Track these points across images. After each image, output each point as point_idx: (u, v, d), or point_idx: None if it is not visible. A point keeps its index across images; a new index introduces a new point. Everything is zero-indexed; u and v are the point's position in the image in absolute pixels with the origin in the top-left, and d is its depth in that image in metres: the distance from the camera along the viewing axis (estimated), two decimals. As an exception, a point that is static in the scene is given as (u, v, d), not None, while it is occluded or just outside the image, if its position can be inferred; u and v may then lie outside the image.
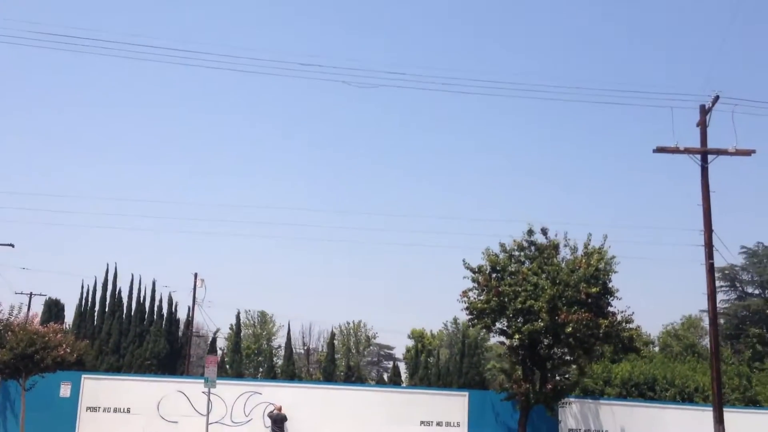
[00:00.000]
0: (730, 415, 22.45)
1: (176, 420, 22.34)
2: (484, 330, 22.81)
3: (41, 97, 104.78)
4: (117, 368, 48.29)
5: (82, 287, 51.07)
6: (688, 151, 22.50)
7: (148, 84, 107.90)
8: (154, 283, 51.89)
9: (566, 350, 21.98)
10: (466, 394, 24.48)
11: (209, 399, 20.98)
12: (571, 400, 24.00)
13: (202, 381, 21.16)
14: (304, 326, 79.41)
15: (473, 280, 21.66)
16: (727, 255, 22.76)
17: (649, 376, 37.16)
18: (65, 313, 53.31)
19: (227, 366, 53.12)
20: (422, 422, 23.33)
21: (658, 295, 68.98)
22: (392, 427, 22.97)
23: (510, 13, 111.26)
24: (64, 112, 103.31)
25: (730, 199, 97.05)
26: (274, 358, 57.77)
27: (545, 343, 21.47)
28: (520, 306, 20.61)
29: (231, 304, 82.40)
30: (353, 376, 52.96)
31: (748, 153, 22.37)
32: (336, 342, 78.55)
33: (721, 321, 57.09)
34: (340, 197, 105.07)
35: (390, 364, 72.57)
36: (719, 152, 22.44)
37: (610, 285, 21.81)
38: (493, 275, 21.71)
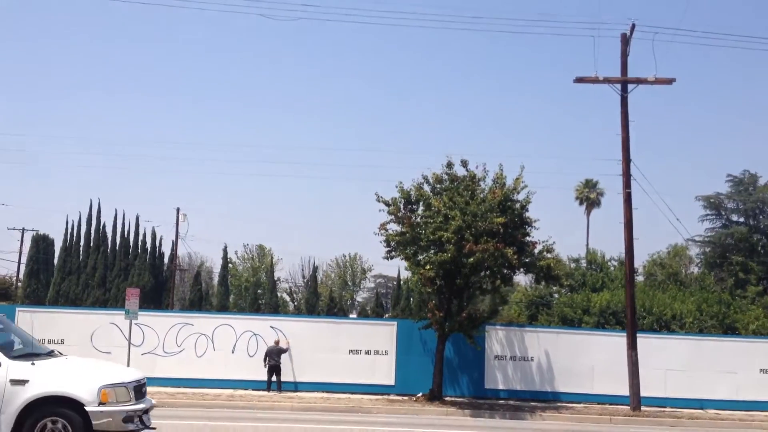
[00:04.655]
0: (645, 340, 22.86)
1: (109, 351, 23.11)
2: (404, 261, 23.15)
3: (26, 30, 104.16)
4: (104, 301, 49.67)
5: (67, 223, 52.27)
6: (607, 80, 22.45)
7: (135, 22, 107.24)
8: (137, 218, 52.98)
9: (486, 280, 22.30)
10: (395, 323, 25.00)
11: (130, 329, 21.69)
12: (498, 327, 24.49)
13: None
14: (303, 260, 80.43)
15: (389, 213, 21.97)
16: (645, 185, 22.77)
17: (627, 304, 37.44)
18: (54, 248, 54.76)
19: (213, 299, 54.36)
20: (350, 351, 23.96)
21: (647, 224, 69.06)
22: (320, 356, 23.64)
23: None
24: (44, 46, 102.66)
25: (719, 126, 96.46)
26: (258, 290, 58.86)
27: (462, 273, 21.74)
28: (431, 237, 20.93)
29: (227, 241, 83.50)
30: (335, 308, 53.95)
31: (668, 81, 22.24)
32: (332, 275, 79.83)
33: (706, 249, 57.16)
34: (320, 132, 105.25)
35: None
36: (639, 81, 22.36)
37: (526, 215, 22.02)
38: (408, 207, 22.02)
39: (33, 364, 10.22)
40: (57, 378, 10.22)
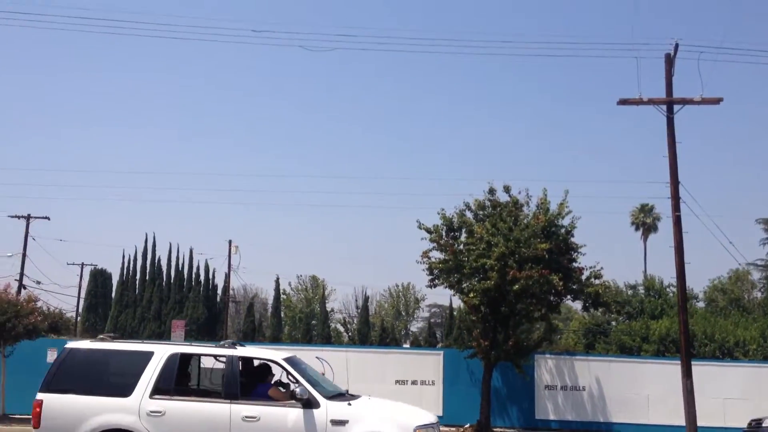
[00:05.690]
0: (702, 368, 22.04)
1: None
2: (448, 289, 22.87)
3: (66, 68, 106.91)
4: (159, 335, 50.24)
5: (123, 257, 53.24)
6: (652, 101, 21.88)
7: (167, 60, 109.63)
8: (191, 251, 53.63)
9: (532, 307, 21.87)
10: (441, 353, 24.66)
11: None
12: (547, 356, 23.93)
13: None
14: (356, 290, 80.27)
15: (431, 241, 21.77)
16: (695, 207, 22.05)
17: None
18: (112, 282, 55.76)
19: (266, 330, 54.54)
20: (397, 381, 23.67)
21: (707, 249, 67.41)
22: (365, 387, 23.33)
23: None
24: (95, 83, 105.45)
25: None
26: (312, 321, 58.89)
27: (507, 300, 21.36)
28: (474, 264, 20.64)
29: (280, 272, 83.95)
30: (388, 338, 53.62)
31: (716, 101, 21.62)
32: (386, 305, 79.51)
33: (769, 274, 55.32)
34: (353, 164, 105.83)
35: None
36: (685, 102, 21.76)
37: (571, 240, 21.60)
38: (450, 234, 21.80)
39: (350, 404, 10.28)
40: (373, 418, 10.19)
